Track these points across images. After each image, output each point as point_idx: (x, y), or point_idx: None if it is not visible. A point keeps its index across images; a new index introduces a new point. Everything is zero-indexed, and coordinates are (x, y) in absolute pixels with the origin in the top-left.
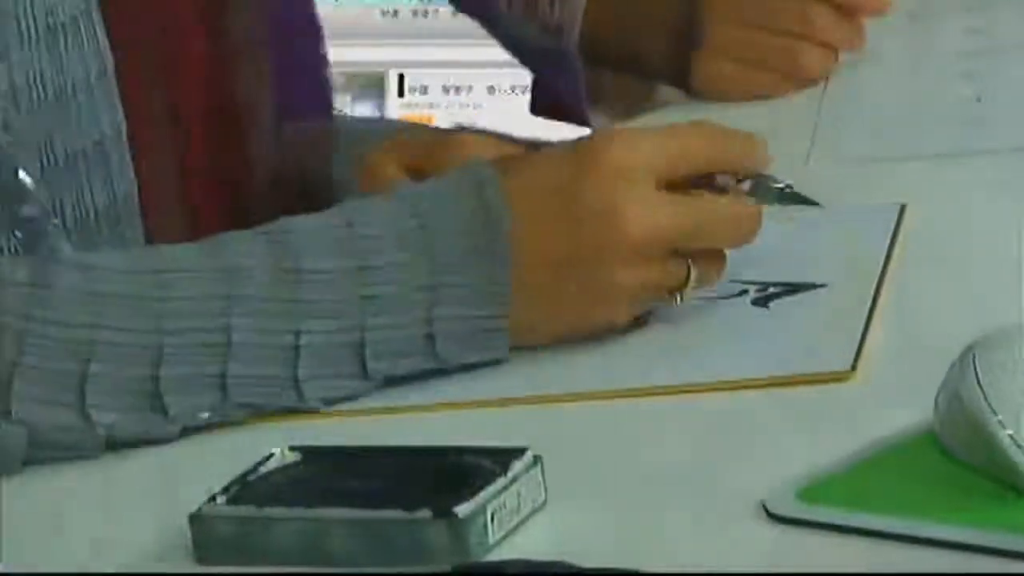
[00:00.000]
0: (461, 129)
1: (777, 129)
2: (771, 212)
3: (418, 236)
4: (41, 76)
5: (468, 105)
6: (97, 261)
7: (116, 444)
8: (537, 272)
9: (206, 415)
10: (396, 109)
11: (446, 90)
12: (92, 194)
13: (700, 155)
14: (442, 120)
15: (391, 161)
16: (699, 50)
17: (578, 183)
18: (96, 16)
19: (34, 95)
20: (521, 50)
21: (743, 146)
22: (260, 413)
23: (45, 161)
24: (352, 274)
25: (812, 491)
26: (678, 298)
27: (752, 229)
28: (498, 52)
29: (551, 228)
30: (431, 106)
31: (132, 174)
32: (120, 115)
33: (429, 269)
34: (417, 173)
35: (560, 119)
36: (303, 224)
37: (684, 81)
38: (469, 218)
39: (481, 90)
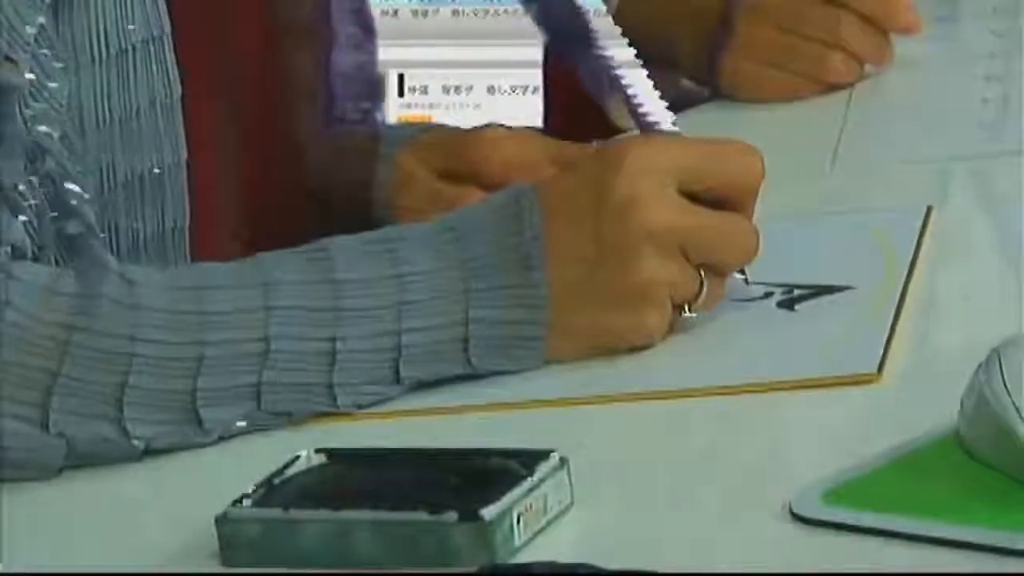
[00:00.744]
0: (488, 126)
1: (804, 131)
2: (796, 214)
3: (452, 243)
4: (109, 98)
5: (468, 105)
6: (139, 276)
7: (150, 453)
8: (569, 270)
9: (241, 424)
10: (396, 109)
11: (446, 90)
12: (144, 219)
13: (726, 174)
14: (442, 120)
15: (421, 161)
16: (727, 49)
17: (604, 180)
18: (167, 42)
19: (100, 116)
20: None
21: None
22: (293, 419)
23: (105, 182)
24: (387, 282)
25: (837, 493)
26: (687, 308)
27: (754, 248)
28: (498, 52)
29: (580, 226)
30: (431, 106)
31: (187, 204)
32: (182, 144)
33: (463, 274)
34: (447, 173)
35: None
36: (339, 241)
37: (712, 79)
38: (501, 222)
39: (481, 90)
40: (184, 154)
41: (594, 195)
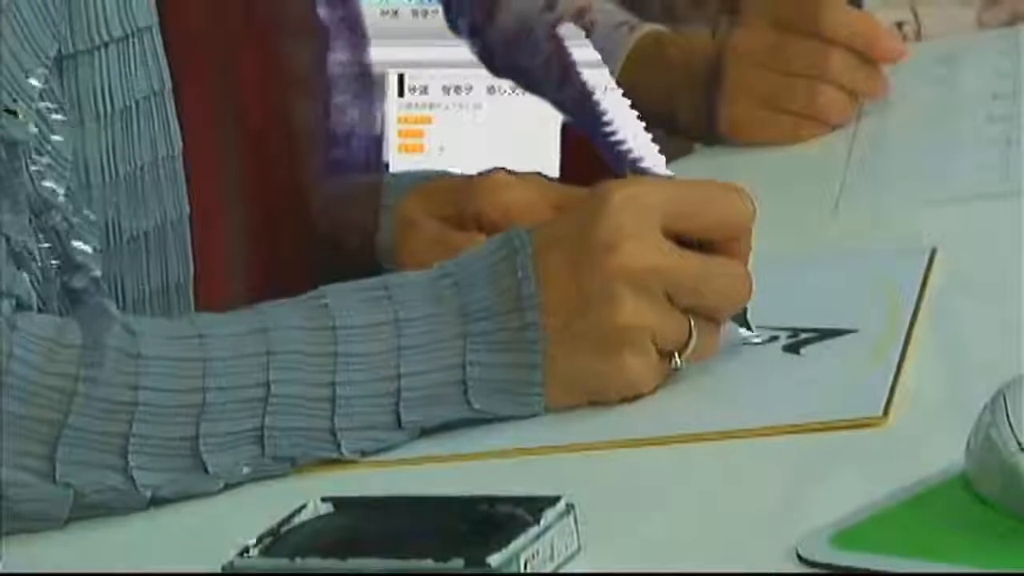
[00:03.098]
0: (492, 171)
1: (807, 174)
2: (800, 257)
3: (450, 289)
4: (114, 154)
5: (468, 105)
6: (141, 326)
7: (158, 502)
8: (558, 313)
9: (247, 470)
10: (396, 109)
11: (446, 90)
12: (149, 275)
13: (713, 215)
14: (442, 120)
15: (425, 208)
16: (721, 96)
17: (589, 221)
18: (169, 96)
19: (107, 172)
20: (563, 109)
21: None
22: (298, 466)
23: (110, 239)
24: (386, 327)
25: (845, 536)
26: (677, 359)
27: (745, 292)
28: None
29: (569, 269)
30: (431, 106)
31: (190, 258)
32: (184, 198)
33: (460, 319)
34: (451, 219)
35: (596, 174)
36: (336, 288)
37: (712, 129)
38: (497, 267)
39: (481, 90)
40: (187, 208)
41: (579, 236)
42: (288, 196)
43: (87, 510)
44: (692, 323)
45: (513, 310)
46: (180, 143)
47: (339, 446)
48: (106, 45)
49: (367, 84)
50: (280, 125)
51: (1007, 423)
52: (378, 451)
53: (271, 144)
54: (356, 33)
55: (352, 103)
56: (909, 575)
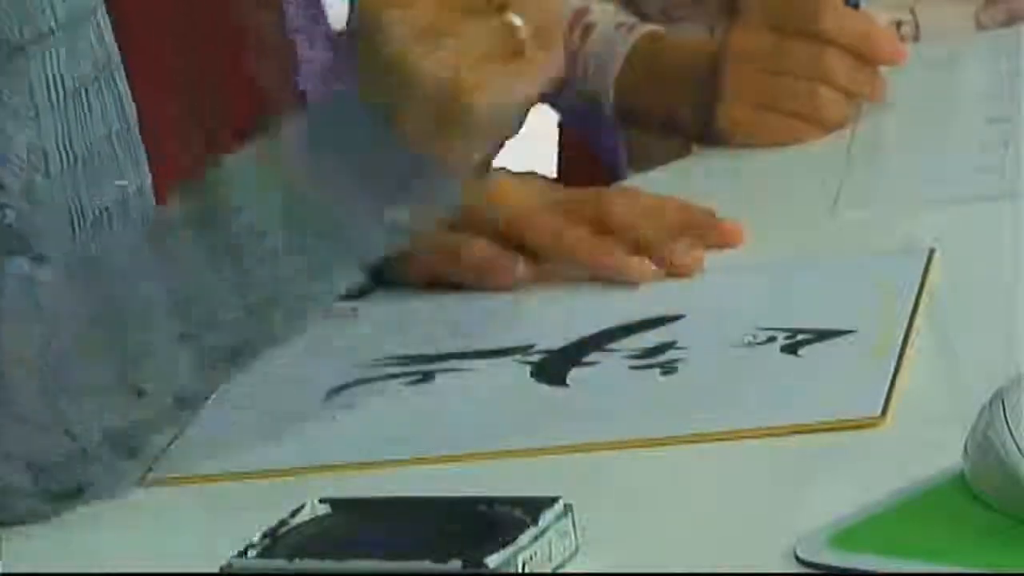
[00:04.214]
0: (497, 172)
1: (805, 176)
2: (799, 258)
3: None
4: (69, 138)
5: None
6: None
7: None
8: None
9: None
10: None
11: None
12: None
13: None
14: None
15: None
16: (720, 98)
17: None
18: (119, 71)
19: (63, 157)
20: (560, 111)
21: None
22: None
23: (74, 222)
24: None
25: (843, 537)
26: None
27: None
28: None
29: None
30: None
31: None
32: (145, 169)
33: None
34: (451, 221)
35: (594, 177)
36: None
37: (711, 130)
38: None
39: None
40: (148, 179)
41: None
42: None
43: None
44: (513, 17)
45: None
46: (134, 115)
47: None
48: (53, 32)
49: (327, 38)
50: (241, 88)
51: (1005, 424)
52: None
53: (234, 107)
54: None
55: (313, 59)
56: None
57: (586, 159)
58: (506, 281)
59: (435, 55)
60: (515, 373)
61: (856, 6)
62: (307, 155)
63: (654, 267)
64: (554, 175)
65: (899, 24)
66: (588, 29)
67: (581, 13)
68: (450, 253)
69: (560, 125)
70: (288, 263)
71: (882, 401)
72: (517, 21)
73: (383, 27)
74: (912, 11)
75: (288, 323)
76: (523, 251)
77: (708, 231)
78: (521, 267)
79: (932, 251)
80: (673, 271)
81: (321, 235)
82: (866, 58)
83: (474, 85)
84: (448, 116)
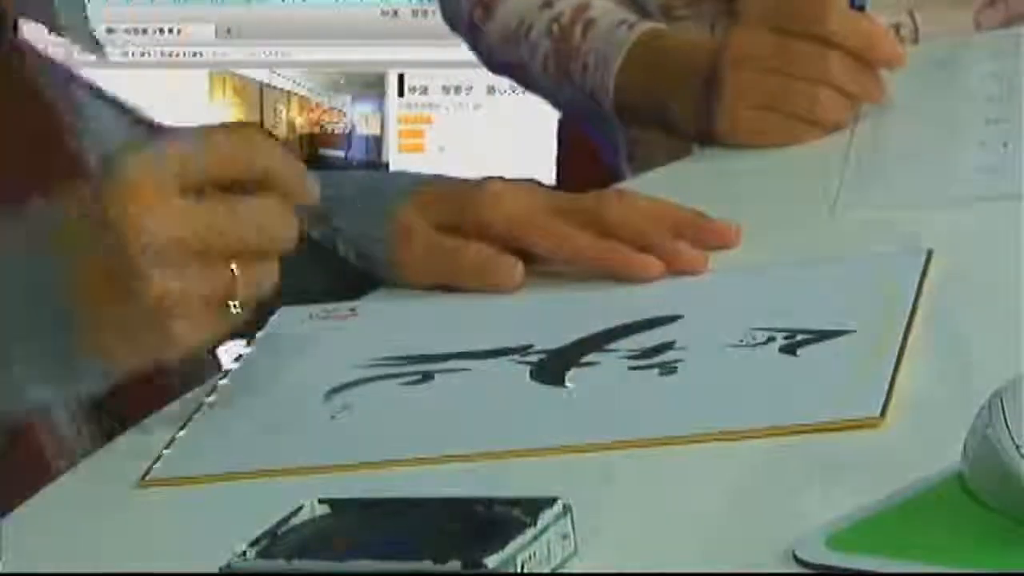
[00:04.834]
0: (489, 180)
1: (804, 177)
2: (797, 259)
3: None
4: None
5: (468, 105)
6: None
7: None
8: (86, 292)
9: None
10: (396, 109)
11: (446, 90)
12: None
13: (225, 156)
14: (442, 120)
15: (421, 215)
16: (720, 98)
17: (101, 200)
18: None
19: None
20: (559, 107)
21: (267, 154)
22: None
23: None
24: None
25: (841, 538)
26: (234, 307)
27: (282, 224)
28: None
29: (85, 254)
30: (431, 106)
31: None
32: None
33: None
34: (448, 226)
35: (593, 174)
36: None
37: (709, 131)
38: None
39: (481, 90)
40: None
41: (94, 220)
42: None
43: None
44: (234, 268)
45: (49, 328)
46: None
47: None
48: None
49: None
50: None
51: (1004, 425)
52: None
53: None
54: None
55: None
56: None
57: (586, 156)
58: (505, 283)
59: (155, 281)
60: (514, 373)
61: (862, 8)
62: None
63: (661, 266)
64: (554, 172)
65: (898, 27)
66: (589, 25)
67: (582, 9)
68: (447, 257)
69: (559, 122)
70: None
71: (881, 401)
72: (237, 272)
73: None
74: (911, 14)
75: None
76: (523, 255)
77: (705, 233)
78: (520, 269)
79: (930, 252)
80: (680, 270)
81: None
82: (866, 60)
83: (185, 329)
84: (149, 340)
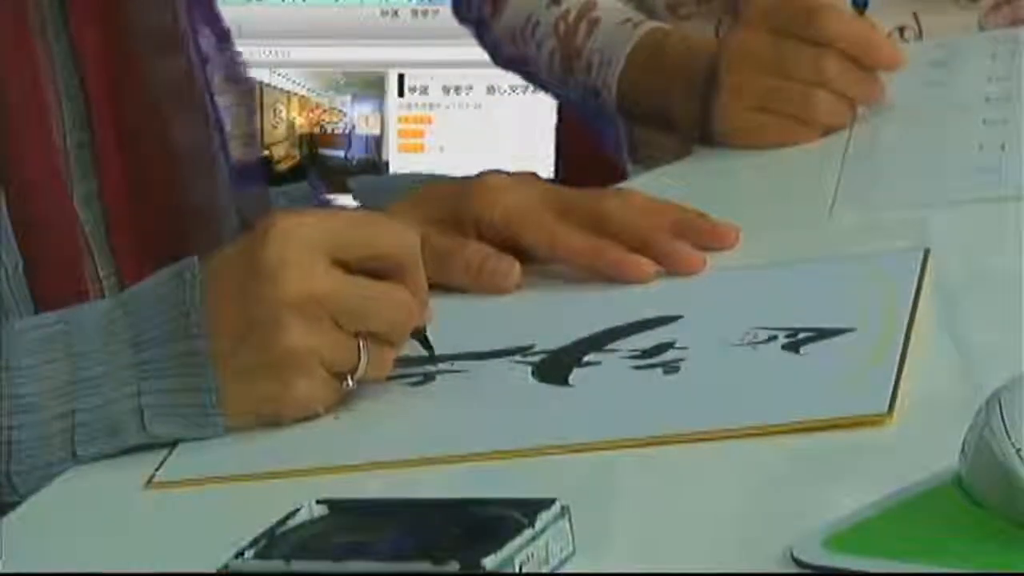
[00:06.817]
0: (486, 174)
1: (803, 177)
2: (796, 259)
3: (122, 319)
4: None
5: (468, 105)
6: None
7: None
8: (224, 341)
9: None
10: (396, 109)
11: (446, 90)
12: None
13: (376, 246)
14: (442, 120)
15: (416, 215)
16: (718, 99)
17: (256, 250)
18: None
19: None
20: (563, 105)
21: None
22: None
23: None
24: (60, 363)
25: (840, 538)
26: (348, 380)
27: (408, 317)
28: None
29: (233, 296)
30: (431, 106)
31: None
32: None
33: (133, 348)
34: (446, 224)
35: (596, 170)
36: (12, 326)
37: (707, 131)
38: (166, 296)
39: (481, 90)
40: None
41: (246, 265)
42: (186, 216)
43: None
44: (361, 345)
45: (182, 338)
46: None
47: (15, 489)
48: None
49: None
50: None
51: (1002, 426)
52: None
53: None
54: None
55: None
56: None
57: (587, 153)
58: (502, 285)
59: (292, 332)
60: (516, 373)
61: (864, 6)
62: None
63: (654, 266)
64: (554, 168)
65: (902, 30)
66: (594, 24)
67: (588, 7)
68: (443, 255)
69: (561, 119)
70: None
71: (888, 399)
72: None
73: None
74: (915, 16)
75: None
76: (520, 253)
77: (704, 233)
78: (517, 270)
79: (927, 251)
80: (678, 270)
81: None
82: (864, 63)
83: (304, 388)
84: (269, 389)
